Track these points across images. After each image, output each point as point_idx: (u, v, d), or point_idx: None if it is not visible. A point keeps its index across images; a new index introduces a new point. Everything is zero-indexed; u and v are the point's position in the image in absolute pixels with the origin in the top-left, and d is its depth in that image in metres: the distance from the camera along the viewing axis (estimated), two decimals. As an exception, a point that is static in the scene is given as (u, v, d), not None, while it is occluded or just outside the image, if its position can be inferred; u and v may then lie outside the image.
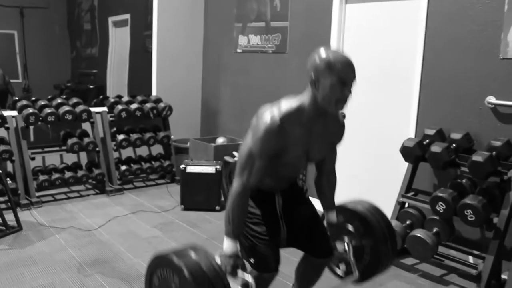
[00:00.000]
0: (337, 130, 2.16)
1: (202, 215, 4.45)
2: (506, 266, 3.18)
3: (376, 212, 2.41)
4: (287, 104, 1.97)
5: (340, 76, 1.86)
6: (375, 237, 2.34)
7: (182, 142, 5.88)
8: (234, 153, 5.14)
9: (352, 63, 1.90)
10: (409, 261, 3.58)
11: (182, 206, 4.58)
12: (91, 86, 8.14)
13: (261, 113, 1.96)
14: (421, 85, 3.81)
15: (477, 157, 3.13)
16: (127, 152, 5.39)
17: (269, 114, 1.93)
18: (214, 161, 4.74)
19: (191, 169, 4.55)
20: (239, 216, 2.00)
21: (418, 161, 3.58)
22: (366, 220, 2.36)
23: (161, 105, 5.42)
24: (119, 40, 6.67)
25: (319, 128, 2.04)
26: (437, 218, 3.34)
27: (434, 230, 3.34)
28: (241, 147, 2.04)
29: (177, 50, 5.93)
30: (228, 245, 2.01)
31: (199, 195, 4.54)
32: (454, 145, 3.42)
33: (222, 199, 4.71)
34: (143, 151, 5.49)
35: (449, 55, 3.64)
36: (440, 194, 3.24)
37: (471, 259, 3.46)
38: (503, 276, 3.16)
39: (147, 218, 4.31)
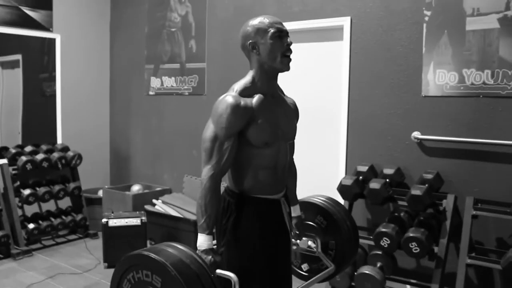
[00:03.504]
0: (293, 108, 2.28)
1: (130, 271, 4.09)
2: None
3: (337, 205, 2.48)
4: (239, 83, 2.03)
5: (275, 27, 1.96)
6: (339, 230, 2.38)
7: (92, 192, 5.45)
8: (154, 201, 4.87)
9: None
10: (354, 298, 3.60)
11: (106, 264, 4.18)
12: (-26, 135, 7.27)
13: (218, 100, 1.97)
14: (349, 122, 3.94)
15: (415, 191, 3.28)
16: (32, 208, 4.83)
17: (225, 94, 1.96)
18: (137, 212, 4.43)
19: (114, 222, 4.19)
20: (213, 205, 1.89)
21: (355, 198, 3.65)
22: (329, 214, 2.41)
23: (70, 153, 4.98)
24: (7, 83, 6.06)
25: (278, 104, 2.10)
26: (380, 253, 3.41)
27: (378, 264, 3.40)
28: (203, 134, 1.95)
29: (82, 93, 5.56)
30: (203, 240, 1.88)
31: (124, 249, 4.14)
32: (388, 180, 3.56)
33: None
34: (50, 205, 4.97)
35: (374, 93, 3.82)
36: (383, 230, 3.32)
37: (409, 288, 3.59)
38: (445, 303, 3.31)
39: (69, 282, 3.86)
